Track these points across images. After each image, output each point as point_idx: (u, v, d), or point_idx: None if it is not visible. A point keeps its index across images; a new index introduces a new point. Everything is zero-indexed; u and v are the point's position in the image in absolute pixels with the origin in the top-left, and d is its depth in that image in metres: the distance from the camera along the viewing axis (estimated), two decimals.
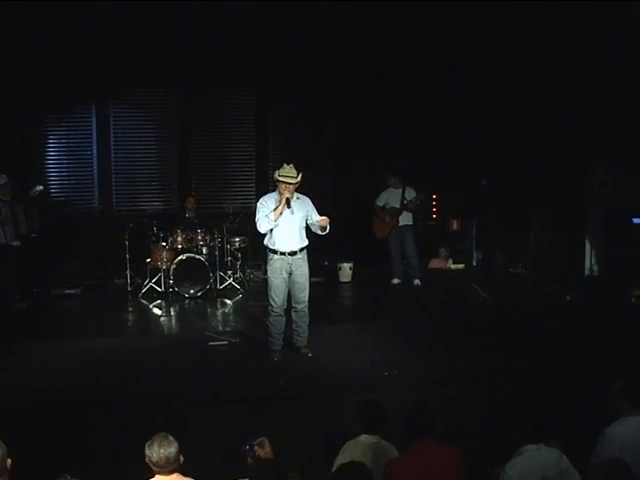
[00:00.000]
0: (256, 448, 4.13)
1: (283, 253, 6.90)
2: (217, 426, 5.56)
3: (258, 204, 7.00)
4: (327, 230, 6.93)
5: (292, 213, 6.85)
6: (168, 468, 3.79)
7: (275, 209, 6.81)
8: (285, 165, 6.86)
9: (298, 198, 6.95)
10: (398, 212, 10.15)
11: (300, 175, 6.82)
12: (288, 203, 6.80)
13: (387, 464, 4.17)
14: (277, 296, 6.95)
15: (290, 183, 6.76)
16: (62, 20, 8.81)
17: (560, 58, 9.50)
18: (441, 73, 10.67)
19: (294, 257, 6.92)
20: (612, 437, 4.23)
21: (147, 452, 3.79)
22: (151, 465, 3.81)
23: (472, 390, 6.16)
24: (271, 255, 6.97)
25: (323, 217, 6.90)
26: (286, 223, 6.87)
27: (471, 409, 5.72)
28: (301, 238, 6.97)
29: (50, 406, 5.86)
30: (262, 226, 6.89)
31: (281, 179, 6.78)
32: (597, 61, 9.13)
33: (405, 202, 10.13)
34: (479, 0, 8.31)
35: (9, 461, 3.67)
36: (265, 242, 7.05)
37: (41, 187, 9.56)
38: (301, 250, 6.96)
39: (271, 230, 6.89)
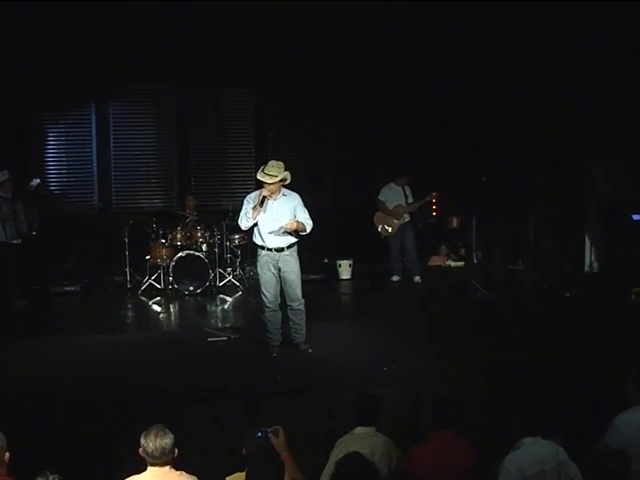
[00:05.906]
0: (270, 436, 3.98)
1: (270, 249, 6.86)
2: (216, 422, 5.54)
3: (244, 201, 6.95)
4: (306, 232, 6.83)
5: (264, 212, 6.74)
6: (162, 459, 3.78)
7: (254, 207, 6.76)
8: (270, 163, 6.74)
9: (284, 195, 6.85)
10: (405, 210, 10.13)
11: (283, 174, 6.68)
12: (262, 202, 6.72)
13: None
14: (268, 291, 6.92)
15: (266, 183, 6.67)
16: (61, 18, 8.82)
17: (558, 57, 9.50)
18: (441, 71, 10.66)
19: (281, 253, 6.86)
20: (620, 425, 4.25)
21: (143, 442, 3.78)
22: (145, 456, 3.79)
23: (472, 386, 6.15)
24: (259, 251, 6.96)
25: (290, 221, 6.76)
26: (269, 220, 6.80)
27: (471, 405, 5.71)
28: (287, 235, 6.87)
29: (49, 403, 5.84)
30: (241, 223, 6.89)
31: (259, 178, 6.73)
32: (595, 60, 9.13)
33: (415, 202, 10.10)
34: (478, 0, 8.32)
35: (7, 454, 3.67)
36: (253, 238, 7.05)
37: (38, 180, 9.58)
38: (289, 247, 6.89)
39: (256, 226, 6.87)
